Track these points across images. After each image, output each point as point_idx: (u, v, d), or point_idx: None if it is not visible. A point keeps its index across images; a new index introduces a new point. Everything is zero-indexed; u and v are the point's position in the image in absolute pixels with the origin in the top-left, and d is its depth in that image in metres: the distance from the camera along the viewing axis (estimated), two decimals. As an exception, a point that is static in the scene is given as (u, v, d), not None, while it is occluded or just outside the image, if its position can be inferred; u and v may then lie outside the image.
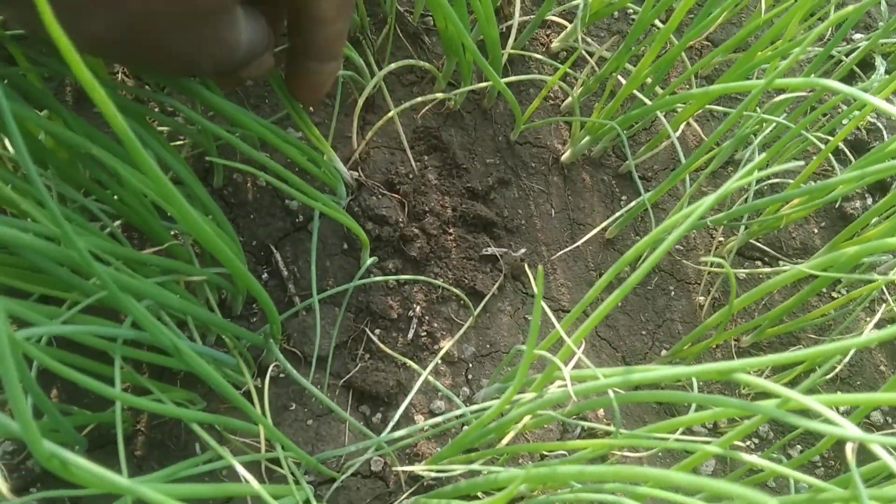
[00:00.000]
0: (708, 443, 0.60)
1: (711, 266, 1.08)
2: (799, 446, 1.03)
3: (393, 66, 1.06)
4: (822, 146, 0.93)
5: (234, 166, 0.84)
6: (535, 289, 1.03)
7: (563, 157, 1.14)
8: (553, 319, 0.71)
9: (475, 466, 0.77)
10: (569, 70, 1.10)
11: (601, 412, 1.01)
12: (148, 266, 0.73)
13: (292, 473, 0.88)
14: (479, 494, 0.88)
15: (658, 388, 0.99)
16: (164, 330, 0.61)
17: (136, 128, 0.69)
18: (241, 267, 0.73)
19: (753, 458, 0.55)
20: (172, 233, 0.83)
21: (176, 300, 0.67)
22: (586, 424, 0.81)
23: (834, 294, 1.12)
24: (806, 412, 0.54)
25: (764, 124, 1.08)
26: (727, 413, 0.56)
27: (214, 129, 0.74)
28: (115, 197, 0.75)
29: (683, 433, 1.00)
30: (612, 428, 0.86)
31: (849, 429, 0.44)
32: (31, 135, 0.70)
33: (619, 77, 1.09)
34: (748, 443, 1.02)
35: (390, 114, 1.04)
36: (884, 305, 1.07)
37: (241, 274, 0.73)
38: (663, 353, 1.05)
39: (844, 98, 1.29)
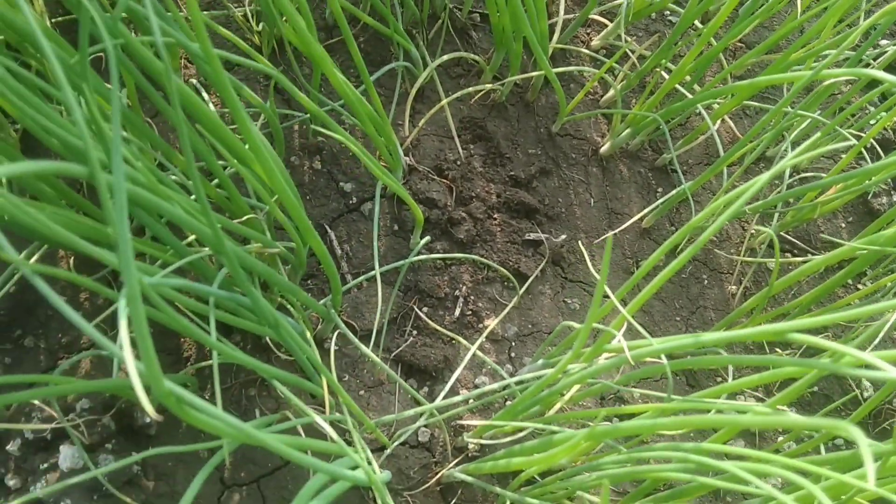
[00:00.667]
0: (757, 404, 0.64)
1: (744, 256, 1.13)
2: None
3: (445, 57, 1.11)
4: (855, 141, 0.98)
5: (331, 135, 0.89)
6: (579, 276, 1.08)
7: (602, 150, 1.19)
8: (609, 293, 0.76)
9: (531, 425, 0.81)
10: (612, 63, 1.15)
11: (637, 394, 1.05)
12: (230, 235, 0.78)
13: (348, 440, 0.93)
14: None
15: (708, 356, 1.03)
16: (257, 293, 0.66)
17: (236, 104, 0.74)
18: (315, 235, 0.78)
19: (799, 417, 0.60)
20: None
21: (262, 267, 0.72)
22: (631, 391, 0.86)
23: (859, 286, 1.17)
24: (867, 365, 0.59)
25: (796, 122, 1.12)
26: (785, 373, 0.61)
27: (314, 108, 0.78)
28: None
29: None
30: (657, 395, 0.91)
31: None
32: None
33: (662, 73, 1.14)
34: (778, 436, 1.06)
35: (441, 103, 1.09)
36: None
37: (315, 242, 0.78)
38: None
39: (871, 100, 1.34)
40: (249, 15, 1.11)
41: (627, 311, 0.75)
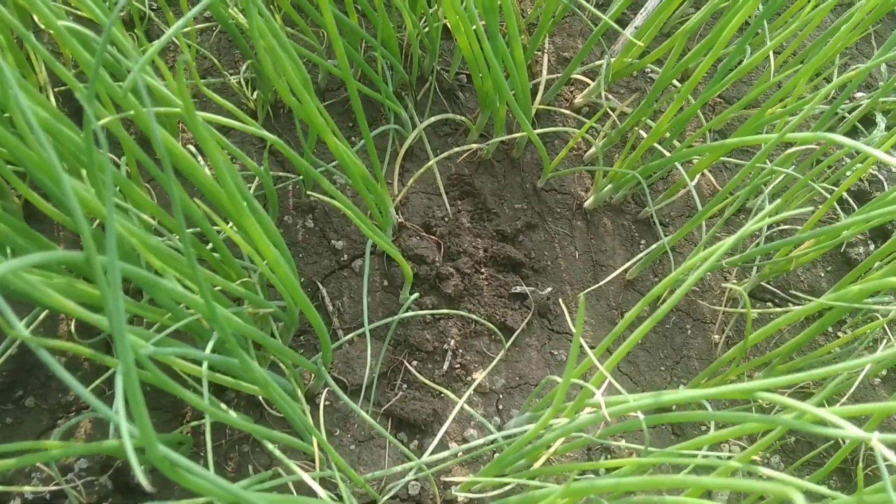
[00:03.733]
0: (730, 458, 0.67)
1: (726, 306, 1.16)
2: (807, 477, 1.10)
3: (433, 119, 1.15)
4: (828, 195, 1.01)
5: (323, 198, 0.93)
6: (562, 327, 1.11)
7: (587, 204, 1.22)
8: (587, 348, 0.79)
9: (515, 481, 0.83)
10: (592, 124, 1.19)
11: (622, 442, 1.07)
12: (225, 297, 0.82)
13: (339, 496, 0.95)
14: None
15: (682, 411, 1.06)
16: (248, 358, 0.69)
17: (231, 170, 0.77)
18: (304, 297, 0.81)
19: (770, 472, 0.62)
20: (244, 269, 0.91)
21: (253, 331, 0.75)
22: (615, 444, 0.88)
23: (839, 334, 1.20)
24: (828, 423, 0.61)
25: (774, 175, 1.16)
26: (751, 428, 0.64)
27: (313, 173, 0.82)
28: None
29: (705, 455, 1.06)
30: (639, 447, 0.93)
31: (863, 433, 0.52)
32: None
33: (641, 131, 1.18)
34: (771, 457, 1.09)
35: (430, 163, 1.13)
36: (884, 342, 1.14)
37: (303, 304, 0.81)
38: (681, 387, 1.13)
39: (848, 152, 1.38)
40: (244, 82, 1.15)
41: (609, 363, 0.78)
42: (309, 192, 1.08)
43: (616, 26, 0.93)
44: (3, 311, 0.54)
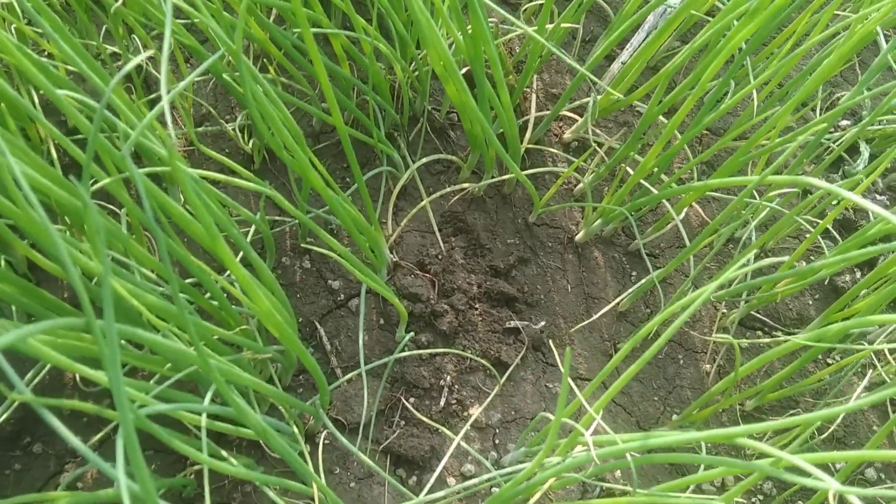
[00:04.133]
0: (713, 500, 0.69)
1: (716, 337, 1.18)
2: (800, 502, 1.12)
3: (424, 160, 1.18)
4: (812, 228, 1.04)
5: (317, 249, 0.95)
6: (556, 360, 1.13)
7: (578, 237, 1.25)
8: (576, 390, 0.81)
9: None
10: (580, 163, 1.22)
11: (618, 473, 1.09)
12: (223, 344, 0.84)
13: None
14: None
15: (670, 451, 1.08)
16: (244, 406, 0.71)
17: (219, 217, 0.80)
18: (299, 344, 0.83)
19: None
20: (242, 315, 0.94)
21: (250, 380, 0.77)
22: (605, 485, 0.90)
23: (829, 360, 1.22)
24: (802, 470, 0.63)
25: (761, 207, 1.19)
26: (731, 471, 0.66)
27: (307, 223, 0.85)
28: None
29: (693, 492, 1.08)
30: (629, 488, 0.95)
31: (829, 482, 0.54)
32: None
33: (627, 168, 1.21)
34: (753, 499, 1.10)
35: (423, 203, 1.16)
36: (871, 370, 1.16)
37: (300, 351, 0.84)
38: (674, 417, 1.15)
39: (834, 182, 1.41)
40: (240, 129, 1.18)
41: (602, 401, 0.80)
42: (305, 243, 1.11)
43: (593, 77, 0.96)
44: (6, 373, 0.57)
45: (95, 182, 0.85)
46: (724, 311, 1.23)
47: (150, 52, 0.66)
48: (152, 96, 1.19)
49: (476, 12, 0.87)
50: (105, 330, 0.52)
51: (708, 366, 1.19)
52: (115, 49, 1.20)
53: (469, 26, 0.94)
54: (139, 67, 1.16)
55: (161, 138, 0.82)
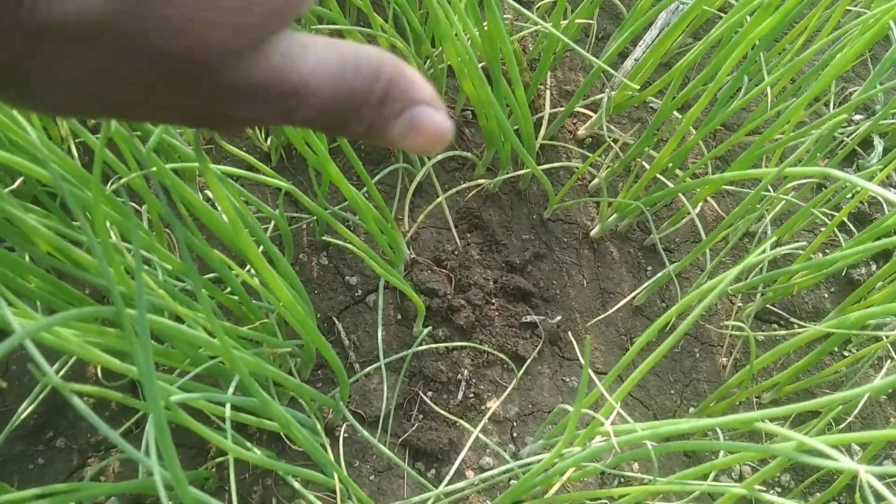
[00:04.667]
0: (732, 486, 0.70)
1: (732, 330, 1.19)
2: (818, 494, 1.12)
3: (439, 157, 1.19)
4: (828, 221, 1.04)
5: (336, 241, 0.96)
6: (573, 354, 1.14)
7: (593, 233, 1.26)
8: (596, 380, 0.82)
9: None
10: (595, 158, 1.22)
11: (636, 466, 1.10)
12: (244, 339, 0.85)
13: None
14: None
15: (689, 438, 1.08)
16: (267, 398, 0.72)
17: (244, 214, 0.81)
18: (319, 336, 0.84)
19: (776, 498, 0.65)
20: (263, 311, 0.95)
21: (272, 371, 0.79)
22: (625, 475, 0.91)
23: (845, 353, 1.22)
24: (821, 456, 0.64)
25: (776, 201, 1.19)
26: (750, 456, 0.67)
27: (327, 218, 0.86)
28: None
29: (712, 481, 1.09)
30: (649, 476, 0.96)
31: (854, 465, 0.55)
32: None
33: (643, 162, 1.21)
34: (771, 492, 1.11)
35: (439, 199, 1.17)
36: (888, 362, 1.16)
37: (320, 343, 0.85)
38: (691, 410, 1.15)
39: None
40: (258, 128, 1.19)
41: (620, 392, 0.81)
42: (323, 237, 1.12)
43: (610, 70, 0.97)
44: (36, 360, 0.58)
45: (119, 178, 0.87)
46: (741, 304, 1.23)
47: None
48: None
49: (492, 9, 0.88)
50: (136, 320, 0.53)
51: (724, 359, 1.20)
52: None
53: (485, 23, 0.95)
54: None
55: (184, 134, 0.84)
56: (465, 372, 1.11)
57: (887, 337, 1.05)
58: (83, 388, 0.60)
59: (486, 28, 0.96)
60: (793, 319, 1.23)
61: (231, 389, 0.80)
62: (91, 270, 0.80)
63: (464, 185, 1.21)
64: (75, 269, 0.76)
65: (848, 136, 1.32)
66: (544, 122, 1.28)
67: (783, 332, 1.16)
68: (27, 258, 0.90)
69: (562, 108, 1.30)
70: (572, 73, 1.40)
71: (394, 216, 1.20)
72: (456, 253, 1.19)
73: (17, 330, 0.55)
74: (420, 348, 1.08)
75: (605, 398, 0.94)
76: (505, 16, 1.08)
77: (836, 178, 0.76)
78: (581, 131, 1.33)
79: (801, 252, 1.09)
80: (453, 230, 1.20)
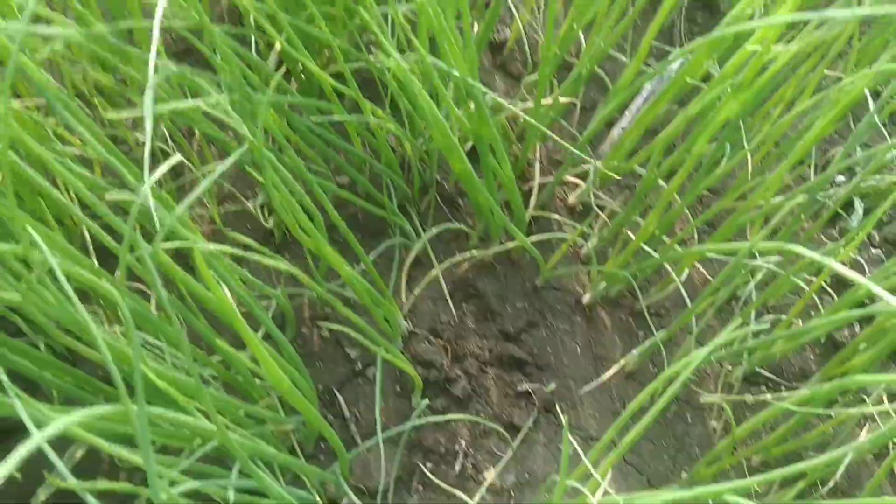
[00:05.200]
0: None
1: (721, 393, 1.22)
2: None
3: (435, 230, 1.24)
4: (807, 288, 1.08)
5: (338, 329, 1.01)
6: (572, 419, 1.17)
7: (585, 299, 1.30)
8: (581, 453, 0.85)
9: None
10: (583, 230, 1.27)
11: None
12: (249, 417, 0.89)
13: None
14: None
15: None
16: (269, 481, 0.76)
17: (241, 296, 0.86)
18: (319, 418, 0.88)
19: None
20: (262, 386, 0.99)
21: (273, 452, 0.82)
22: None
23: (832, 413, 1.25)
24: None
25: (759, 267, 1.23)
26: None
27: (326, 297, 0.90)
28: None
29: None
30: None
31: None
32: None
33: (629, 232, 1.25)
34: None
35: (433, 272, 1.22)
36: (870, 422, 1.19)
37: (319, 423, 0.89)
38: (683, 474, 1.18)
39: (832, 238, 1.45)
40: (260, 207, 1.24)
41: (611, 458, 0.85)
42: (324, 311, 1.17)
43: (587, 152, 1.01)
44: (50, 460, 0.61)
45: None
46: (729, 368, 1.26)
47: (178, 159, 0.72)
48: (179, 181, 1.25)
49: (479, 103, 0.93)
50: (137, 416, 0.57)
51: (715, 422, 1.23)
52: (140, 135, 1.27)
53: (471, 104, 1.00)
54: (163, 152, 1.23)
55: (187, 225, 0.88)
56: (463, 443, 1.14)
57: (869, 397, 1.08)
58: (94, 487, 0.63)
59: (472, 109, 1.01)
60: (781, 381, 1.26)
61: (236, 470, 0.83)
62: (97, 358, 0.85)
63: (458, 258, 1.25)
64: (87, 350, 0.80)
65: (831, 199, 1.37)
66: (534, 192, 1.32)
67: (770, 396, 1.19)
68: (42, 347, 0.95)
69: (551, 178, 1.35)
70: (561, 142, 1.45)
71: (391, 288, 1.24)
72: (452, 323, 1.23)
73: (32, 429, 0.59)
74: (418, 422, 1.12)
75: (600, 464, 0.97)
76: (492, 94, 1.13)
77: (803, 256, 0.80)
78: (571, 199, 1.38)
79: (783, 317, 1.12)
80: (449, 301, 1.24)
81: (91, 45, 0.82)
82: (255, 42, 1.24)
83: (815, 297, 1.24)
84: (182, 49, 1.41)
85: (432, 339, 1.21)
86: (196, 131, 1.25)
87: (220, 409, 0.83)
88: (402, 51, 1.06)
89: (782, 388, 1.25)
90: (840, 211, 1.43)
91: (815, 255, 0.80)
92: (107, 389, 0.90)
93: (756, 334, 1.16)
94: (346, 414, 1.14)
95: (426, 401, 1.13)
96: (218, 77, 0.90)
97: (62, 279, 0.64)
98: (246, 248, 1.00)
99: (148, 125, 0.59)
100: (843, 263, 1.34)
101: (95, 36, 0.78)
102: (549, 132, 0.95)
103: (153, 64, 0.67)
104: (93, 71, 1.01)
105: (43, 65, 1.07)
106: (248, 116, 0.97)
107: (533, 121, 0.98)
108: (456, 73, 0.91)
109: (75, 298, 0.64)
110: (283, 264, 0.96)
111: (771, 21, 0.84)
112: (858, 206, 1.38)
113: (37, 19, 0.95)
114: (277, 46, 1.24)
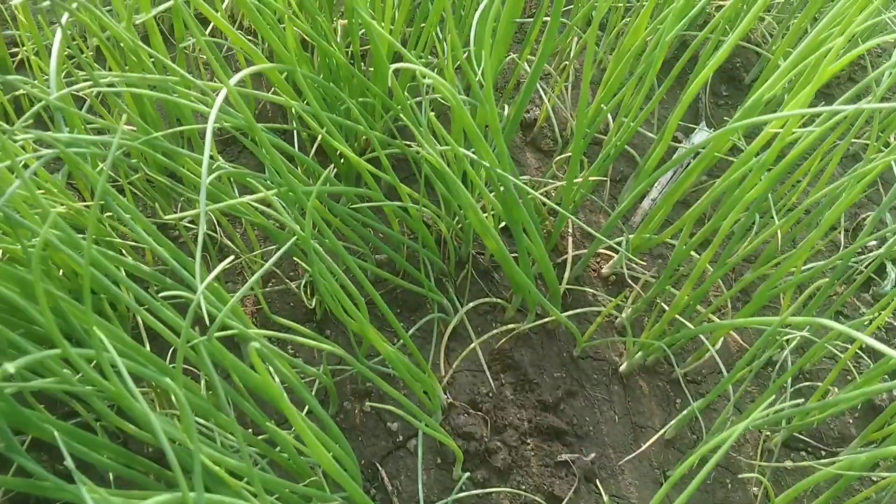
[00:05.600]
0: None
1: (761, 460, 1.22)
2: None
3: (471, 304, 1.28)
4: (841, 356, 1.10)
5: (380, 407, 1.04)
6: (612, 488, 1.18)
7: (622, 368, 1.32)
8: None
9: None
10: (617, 302, 1.30)
11: None
12: (294, 494, 0.93)
13: None
14: None
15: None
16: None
17: (288, 378, 0.90)
18: (362, 494, 0.91)
19: None
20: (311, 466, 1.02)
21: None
22: None
23: (874, 478, 1.24)
24: None
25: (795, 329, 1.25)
26: None
27: (368, 375, 0.94)
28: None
29: None
30: None
31: None
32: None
33: (662, 303, 1.28)
34: None
35: (472, 345, 1.25)
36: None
37: (362, 499, 0.92)
38: (727, 543, 1.18)
39: (867, 302, 1.46)
40: (303, 287, 1.29)
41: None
42: (365, 386, 1.20)
43: (619, 227, 1.05)
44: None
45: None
46: (768, 433, 1.27)
47: (233, 260, 0.78)
48: (226, 264, 1.31)
49: (511, 191, 0.98)
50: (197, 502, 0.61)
51: (755, 489, 1.23)
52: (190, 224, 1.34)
53: (502, 188, 1.05)
54: (210, 237, 1.29)
55: (241, 319, 0.93)
56: (504, 513, 1.16)
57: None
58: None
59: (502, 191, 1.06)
60: (820, 446, 1.26)
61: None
62: (151, 441, 0.89)
63: (496, 331, 1.29)
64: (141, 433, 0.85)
65: (863, 265, 1.38)
66: (568, 264, 1.36)
67: (810, 462, 1.20)
68: (98, 430, 1.00)
69: (585, 250, 1.39)
70: (593, 215, 1.49)
71: (430, 362, 1.28)
72: (490, 395, 1.26)
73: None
74: (460, 495, 1.14)
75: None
76: (524, 177, 1.18)
77: (831, 327, 0.82)
78: (605, 269, 1.41)
79: (819, 385, 1.13)
80: (487, 372, 1.27)
81: (147, 149, 0.89)
82: (297, 134, 1.30)
83: (850, 364, 1.25)
84: (228, 137, 1.49)
85: (471, 411, 1.23)
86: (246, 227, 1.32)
87: (268, 489, 0.87)
88: (434, 135, 1.11)
89: (822, 452, 1.25)
90: (873, 276, 1.44)
91: (844, 329, 0.82)
92: (157, 469, 0.94)
93: (796, 395, 1.17)
94: (389, 487, 1.17)
95: (467, 473, 1.15)
96: (262, 167, 0.96)
97: (125, 374, 0.69)
98: (288, 330, 1.05)
99: (201, 230, 0.64)
100: (879, 328, 1.36)
101: (151, 142, 0.84)
102: (575, 219, 0.99)
103: (206, 166, 0.73)
104: (147, 170, 1.07)
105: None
106: (291, 204, 1.03)
107: (564, 211, 1.01)
108: (486, 164, 0.95)
109: (137, 391, 0.69)
110: (326, 345, 1.00)
111: (784, 115, 0.88)
112: (891, 271, 1.39)
113: (98, 131, 1.03)
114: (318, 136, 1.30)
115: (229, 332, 0.79)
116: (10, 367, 0.51)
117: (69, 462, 0.63)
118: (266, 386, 0.79)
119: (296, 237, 0.83)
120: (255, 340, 0.71)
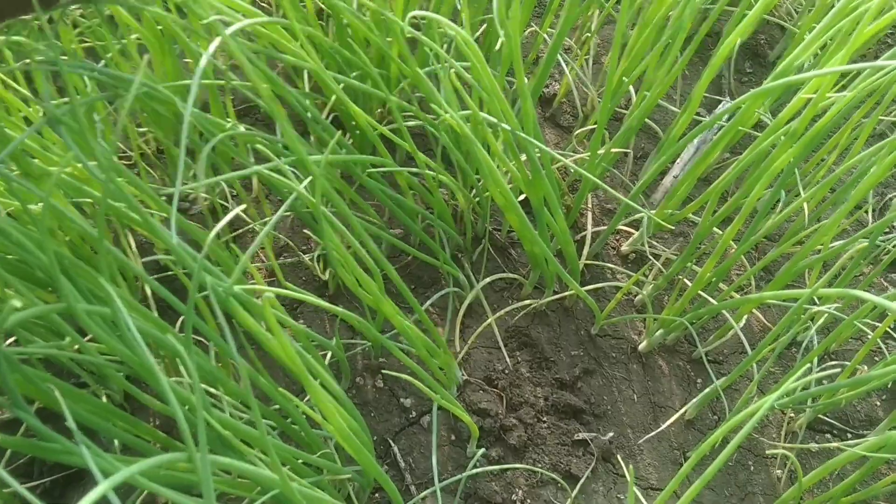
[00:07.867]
0: None
1: (785, 442, 1.19)
2: None
3: (488, 279, 1.25)
4: (870, 333, 1.06)
5: (393, 377, 1.02)
6: (631, 468, 1.15)
7: (641, 347, 1.29)
8: (643, 502, 0.84)
9: None
10: (637, 278, 1.26)
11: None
12: (305, 466, 0.90)
13: None
14: None
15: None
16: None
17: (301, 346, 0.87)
18: (376, 467, 0.89)
19: None
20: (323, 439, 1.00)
21: (331, 501, 0.83)
22: None
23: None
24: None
25: (820, 312, 1.21)
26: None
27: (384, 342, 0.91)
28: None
29: None
30: None
31: None
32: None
33: (685, 279, 1.25)
34: None
35: (489, 321, 1.22)
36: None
37: (376, 472, 0.89)
38: (748, 526, 1.15)
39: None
40: (316, 259, 1.27)
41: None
42: (378, 361, 1.18)
43: (638, 209, 1.02)
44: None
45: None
46: (792, 415, 1.24)
47: (243, 206, 0.75)
48: (236, 233, 1.29)
49: (534, 160, 0.95)
50: (201, 463, 0.59)
51: (779, 471, 1.20)
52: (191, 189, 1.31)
53: (523, 157, 1.02)
54: (222, 206, 1.27)
55: (256, 280, 0.91)
56: (520, 492, 1.13)
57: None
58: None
59: (523, 161, 1.03)
60: (846, 428, 1.23)
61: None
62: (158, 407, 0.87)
63: (512, 306, 1.26)
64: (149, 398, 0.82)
65: (890, 244, 1.34)
66: (587, 241, 1.33)
67: (836, 444, 1.16)
68: (104, 398, 0.98)
69: (604, 227, 1.35)
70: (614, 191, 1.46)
71: (446, 338, 1.25)
72: (506, 371, 1.23)
73: (98, 478, 0.60)
74: (475, 471, 1.11)
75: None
76: (546, 149, 1.14)
77: (865, 300, 0.78)
78: (624, 247, 1.38)
79: (846, 364, 1.10)
80: (503, 349, 1.25)
81: (156, 107, 0.86)
82: (313, 103, 1.27)
83: (880, 343, 1.21)
84: (244, 107, 1.46)
85: (487, 388, 1.21)
86: (253, 183, 1.29)
87: (280, 459, 0.84)
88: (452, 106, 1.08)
89: (848, 435, 1.22)
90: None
91: (879, 300, 0.78)
92: (163, 438, 0.92)
93: (819, 381, 1.14)
94: (402, 464, 1.15)
95: (482, 449, 1.13)
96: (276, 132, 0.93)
97: (137, 335, 0.67)
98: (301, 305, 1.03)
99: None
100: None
101: (162, 100, 0.82)
102: (602, 183, 0.95)
103: (190, 106, 0.70)
104: (156, 133, 1.05)
105: (111, 128, 1.12)
106: (305, 171, 1.00)
107: (587, 173, 0.98)
108: (507, 126, 0.92)
109: (147, 350, 0.67)
110: (339, 309, 0.97)
111: (824, 72, 0.84)
112: (920, 250, 1.35)
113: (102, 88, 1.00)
114: (330, 105, 1.27)
115: (249, 286, 0.77)
116: (17, 302, 0.49)
117: (70, 423, 0.61)
118: (281, 348, 0.76)
119: (295, 194, 0.80)
120: (269, 293, 0.69)
